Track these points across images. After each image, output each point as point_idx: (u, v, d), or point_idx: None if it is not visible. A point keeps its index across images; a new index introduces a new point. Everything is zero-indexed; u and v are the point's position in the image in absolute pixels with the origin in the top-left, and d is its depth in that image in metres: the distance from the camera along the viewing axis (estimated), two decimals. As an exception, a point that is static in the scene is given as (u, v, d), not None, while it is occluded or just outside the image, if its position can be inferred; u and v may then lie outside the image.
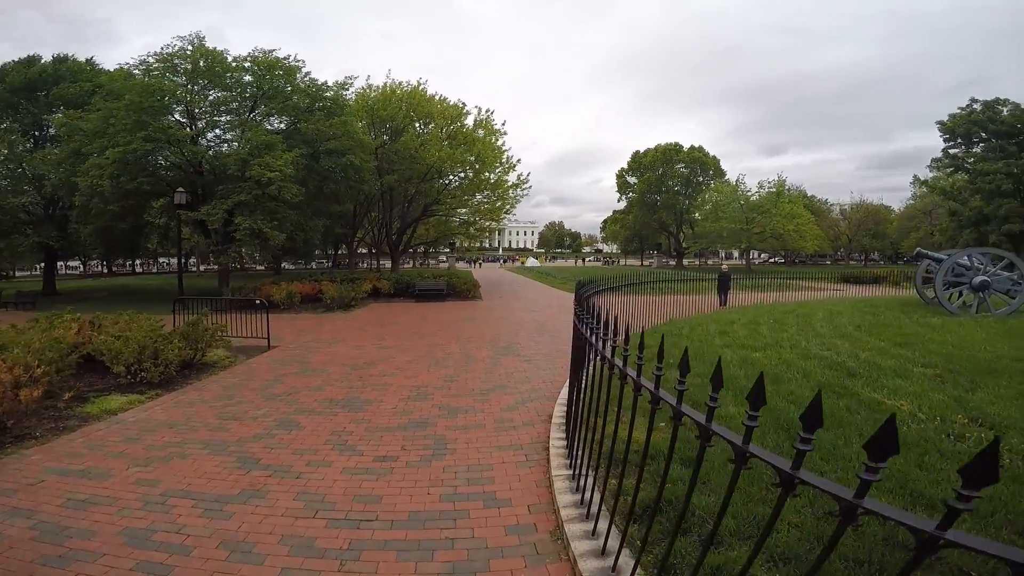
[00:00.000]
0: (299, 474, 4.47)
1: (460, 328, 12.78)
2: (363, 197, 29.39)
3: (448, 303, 19.13)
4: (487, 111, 29.93)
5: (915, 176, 68.89)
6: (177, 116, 21.17)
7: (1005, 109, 38.26)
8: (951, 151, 42.45)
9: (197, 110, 21.19)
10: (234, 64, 21.50)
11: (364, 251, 50.72)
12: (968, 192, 42.80)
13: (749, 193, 53.04)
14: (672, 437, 2.26)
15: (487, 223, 33.57)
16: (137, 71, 20.66)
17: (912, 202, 66.04)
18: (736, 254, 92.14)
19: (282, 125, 23.80)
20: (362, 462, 4.71)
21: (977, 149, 40.68)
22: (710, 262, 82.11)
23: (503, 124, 30.20)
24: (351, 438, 5.33)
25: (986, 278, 10.15)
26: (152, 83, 19.15)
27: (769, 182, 52.68)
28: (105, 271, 57.34)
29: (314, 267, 56.91)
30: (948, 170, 44.91)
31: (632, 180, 63.46)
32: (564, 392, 6.54)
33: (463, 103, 29.96)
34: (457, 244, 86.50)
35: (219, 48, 21.58)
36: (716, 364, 1.94)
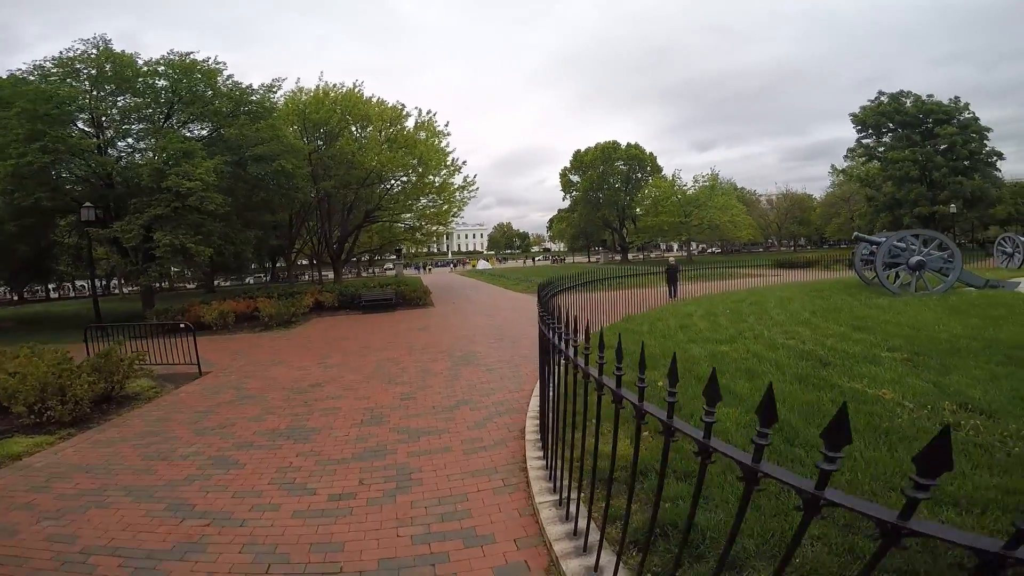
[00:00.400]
0: (243, 521, 3.87)
1: (413, 339, 12.14)
2: (299, 205, 28.01)
3: (398, 313, 18.34)
4: (429, 112, 29.20)
5: (832, 166, 73.98)
6: (81, 125, 19.14)
7: (908, 101, 41.72)
8: (864, 141, 45.86)
9: (104, 118, 19.27)
10: (146, 68, 19.74)
11: (305, 263, 48.48)
12: (881, 179, 46.43)
13: (686, 187, 55.09)
14: (664, 455, 2.04)
15: (434, 227, 32.77)
16: (32, 76, 18.48)
17: (831, 190, 70.94)
18: (676, 247, 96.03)
19: (204, 132, 22.17)
20: (315, 503, 4.13)
21: (886, 139, 44.14)
22: (652, 255, 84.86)
23: (446, 125, 29.59)
24: (299, 475, 4.71)
25: (921, 258, 10.72)
26: (48, 89, 17.16)
27: (703, 176, 54.97)
28: (15, 298, 51.53)
29: (251, 282, 53.88)
30: (862, 159, 48.50)
31: (575, 179, 64.47)
32: (534, 403, 6.16)
33: (402, 104, 29.10)
34: (404, 250, 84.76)
35: (129, 51, 19.74)
36: (710, 375, 1.73)
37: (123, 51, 19.65)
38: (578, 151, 63.87)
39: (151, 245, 17.12)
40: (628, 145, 61.45)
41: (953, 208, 37.92)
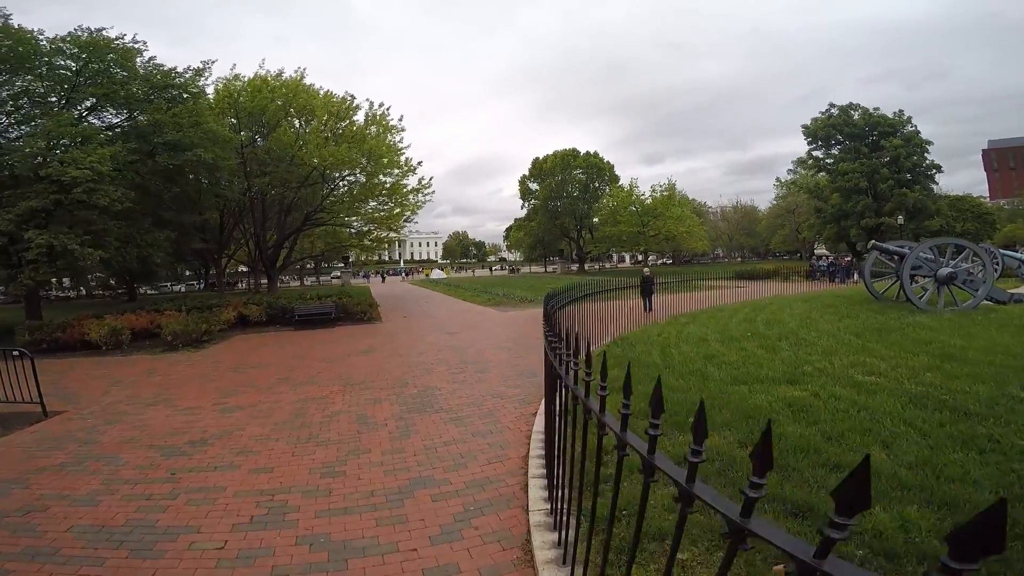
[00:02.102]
0: None
1: (352, 367, 9.57)
2: (225, 204, 24.71)
3: (339, 329, 15.57)
4: (381, 106, 26.48)
5: (777, 178, 76.56)
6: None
7: (856, 113, 42.81)
8: (814, 153, 46.86)
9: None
10: (50, 47, 16.46)
11: (246, 270, 44.19)
12: (829, 190, 47.57)
13: (643, 197, 54.71)
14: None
15: (384, 233, 29.92)
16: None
17: (776, 203, 73.11)
18: (627, 258, 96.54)
19: (118, 120, 18.95)
20: None
21: (835, 151, 45.19)
22: (607, 266, 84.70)
23: (400, 120, 26.96)
24: None
25: (952, 270, 9.36)
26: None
27: (661, 186, 54.79)
28: None
29: (182, 290, 48.76)
30: (812, 171, 49.61)
31: (534, 186, 63.11)
32: (535, 486, 3.93)
33: (351, 96, 26.24)
34: (352, 258, 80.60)
35: (28, 27, 16.39)
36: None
37: (20, 26, 16.17)
38: (537, 158, 62.58)
39: (21, 246, 13.68)
40: (587, 153, 60.70)
41: (900, 220, 38.88)
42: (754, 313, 10.31)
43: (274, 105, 23.45)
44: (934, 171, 43.04)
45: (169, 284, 52.88)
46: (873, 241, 11.16)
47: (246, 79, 24.64)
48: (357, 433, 5.73)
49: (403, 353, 10.66)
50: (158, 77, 18.57)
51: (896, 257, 10.61)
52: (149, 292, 48.37)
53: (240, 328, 16.31)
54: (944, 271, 9.31)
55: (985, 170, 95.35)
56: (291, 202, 26.19)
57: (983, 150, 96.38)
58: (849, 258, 34.06)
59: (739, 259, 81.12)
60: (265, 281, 28.81)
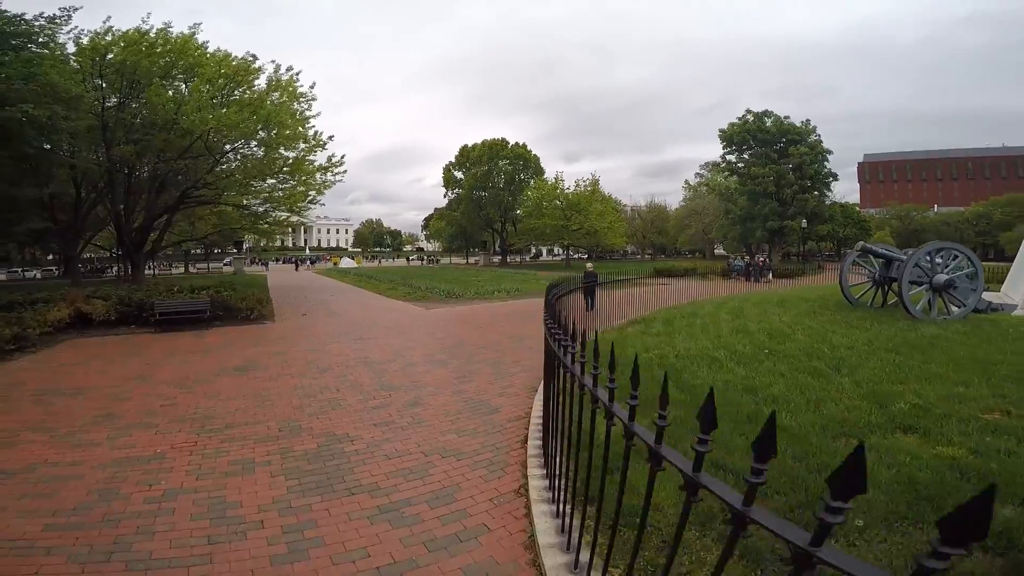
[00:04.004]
0: None
1: (217, 395, 6.69)
2: (84, 176, 20.02)
3: (214, 333, 12.18)
4: (289, 70, 22.37)
5: (686, 181, 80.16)
6: None
7: (769, 120, 45.02)
8: (728, 156, 48.81)
9: None
10: None
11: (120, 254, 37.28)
12: (737, 193, 49.95)
13: (568, 191, 54.13)
14: None
15: (284, 215, 25.82)
16: None
17: (684, 204, 76.65)
18: (544, 252, 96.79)
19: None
20: None
21: (746, 155, 47.35)
22: (527, 259, 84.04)
23: (312, 87, 23.05)
24: None
25: (951, 276, 8.51)
26: None
27: (585, 181, 54.53)
28: None
29: (38, 277, 40.31)
30: (725, 174, 51.81)
31: (459, 175, 60.32)
32: None
33: (253, 56, 21.87)
34: (250, 244, 72.49)
35: None
36: None
37: None
38: (465, 146, 59.73)
39: None
40: (515, 144, 58.96)
41: (804, 223, 41.41)
42: (733, 319, 8.88)
43: (147, 61, 18.82)
44: (831, 179, 46.50)
45: (20, 270, 44.37)
46: (862, 243, 10.25)
47: (120, 33, 19.69)
48: (204, 550, 3.14)
49: (296, 371, 7.87)
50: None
51: (883, 261, 9.73)
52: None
53: (78, 330, 12.34)
54: (941, 278, 8.49)
55: (859, 181, 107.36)
56: (165, 176, 21.52)
57: (859, 163, 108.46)
58: (764, 259, 35.37)
59: (649, 256, 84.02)
60: (150, 270, 23.71)
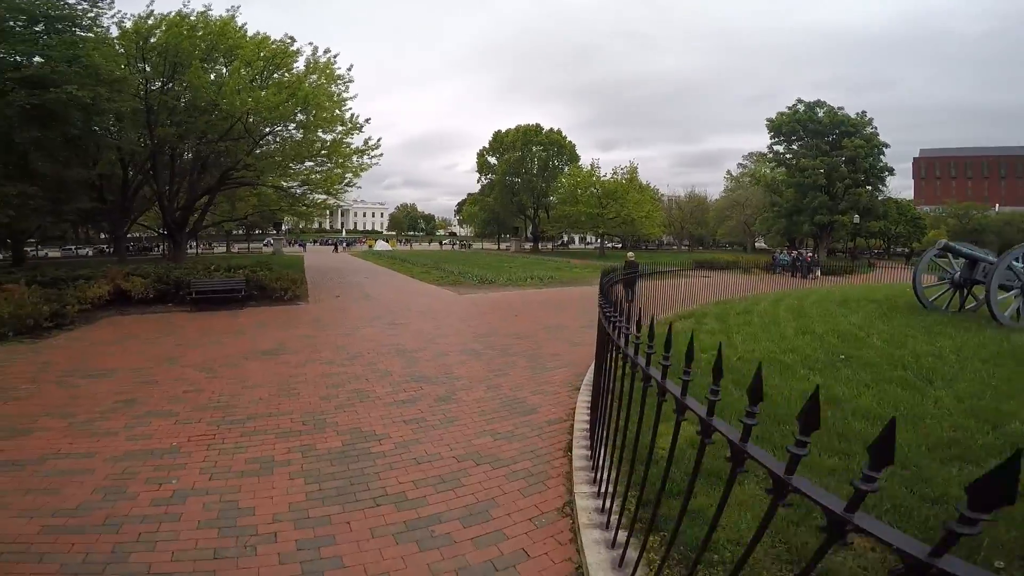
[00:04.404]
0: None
1: (243, 380, 6.43)
2: (131, 158, 20.65)
3: (248, 313, 12.12)
4: (327, 52, 22.13)
5: (728, 171, 77.08)
6: None
7: (821, 111, 42.47)
8: (775, 147, 46.40)
9: None
10: None
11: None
12: (784, 185, 47.53)
13: (604, 178, 52.80)
14: None
15: (321, 197, 25.84)
16: None
17: (724, 195, 73.93)
18: (576, 240, 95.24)
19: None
20: None
21: (794, 146, 44.89)
22: (557, 246, 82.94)
23: (349, 69, 22.78)
24: None
25: None
26: None
27: (623, 168, 53.04)
28: None
29: (89, 254, 42.32)
30: (772, 165, 49.38)
31: (492, 161, 59.73)
32: None
33: (291, 38, 21.70)
34: (290, 226, 74.06)
35: None
36: None
37: None
38: (498, 131, 58.99)
39: None
40: (550, 130, 57.83)
41: (856, 218, 39.07)
42: (794, 318, 8.05)
43: (188, 43, 18.93)
44: (886, 173, 43.66)
45: (74, 247, 46.61)
46: (944, 241, 9.18)
47: (161, 16, 19.92)
48: (209, 566, 2.77)
49: (325, 357, 7.56)
50: (41, 5, 14.81)
51: (966, 262, 8.69)
52: (51, 255, 42.12)
53: (117, 307, 12.49)
54: (1041, 279, 7.46)
55: (913, 177, 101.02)
56: (207, 157, 21.80)
57: (914, 158, 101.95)
58: (812, 254, 33.55)
59: (686, 247, 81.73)
60: (194, 249, 24.32)
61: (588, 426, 4.52)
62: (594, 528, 3.16)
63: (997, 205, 76.36)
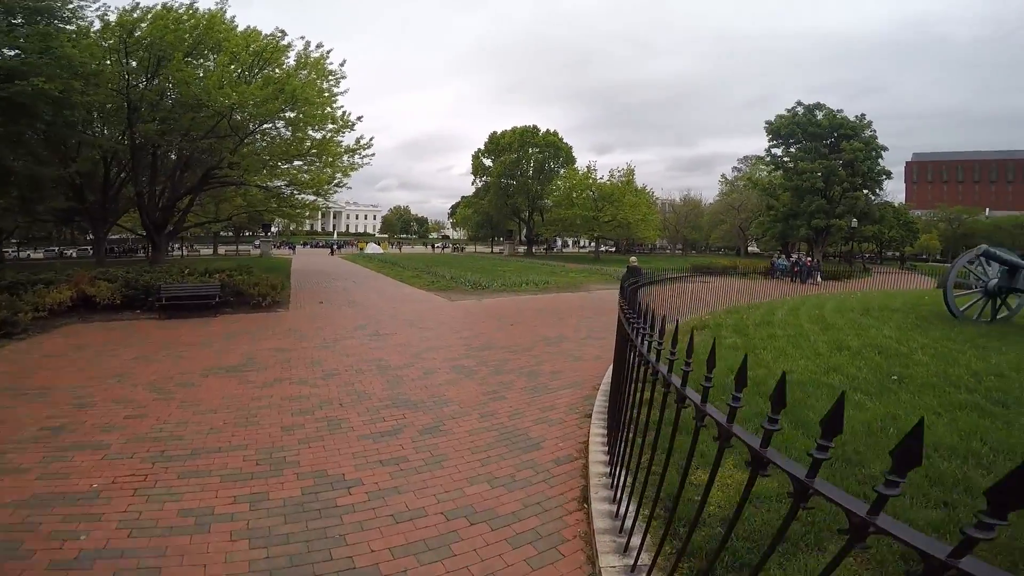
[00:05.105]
0: None
1: (196, 404, 5.55)
2: (112, 155, 19.72)
3: (220, 321, 11.20)
4: (320, 47, 21.27)
5: (723, 175, 76.82)
6: None
7: (820, 113, 42.06)
8: (774, 150, 45.91)
9: None
10: None
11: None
12: (781, 189, 47.08)
13: (601, 180, 52.18)
14: None
15: (310, 197, 24.88)
16: None
17: (719, 199, 73.73)
18: (570, 243, 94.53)
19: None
20: None
21: (793, 149, 44.43)
22: (552, 250, 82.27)
23: (342, 65, 21.95)
24: None
25: None
26: None
27: (619, 171, 52.48)
28: None
29: (74, 255, 41.08)
30: (769, 168, 48.90)
31: (488, 163, 58.89)
32: None
33: (282, 32, 20.80)
34: (279, 227, 72.79)
35: None
36: None
37: None
38: (494, 133, 58.13)
39: None
40: (547, 132, 57.17)
41: (854, 223, 38.64)
42: (822, 331, 7.26)
43: (172, 36, 17.98)
44: (884, 177, 43.32)
45: (58, 249, 45.39)
46: (985, 247, 8.45)
47: (145, 8, 18.97)
48: None
49: (297, 375, 6.67)
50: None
51: (1006, 269, 7.99)
52: (32, 257, 41.00)
53: (81, 314, 11.53)
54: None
55: (905, 181, 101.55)
56: (190, 156, 20.85)
57: (907, 162, 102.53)
58: (812, 259, 33.03)
59: (679, 251, 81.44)
60: (201, 248, 23.29)
61: (608, 467, 3.69)
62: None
63: (988, 209, 76.80)
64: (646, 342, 2.89)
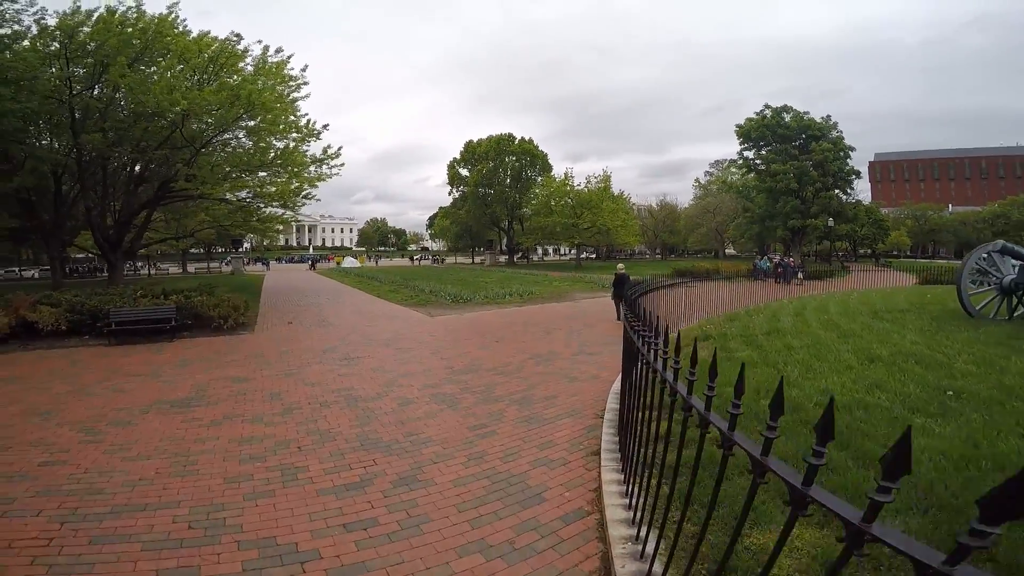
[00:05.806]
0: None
1: (126, 451, 4.63)
2: (64, 169, 18.40)
3: (176, 346, 10.15)
4: (279, 52, 20.33)
5: (697, 179, 77.64)
6: None
7: (788, 116, 42.64)
8: (745, 153, 46.38)
9: None
10: None
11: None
12: (756, 191, 47.56)
13: (579, 187, 51.99)
14: None
15: (278, 211, 23.73)
16: None
17: (694, 202, 74.40)
18: (551, 251, 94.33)
19: None
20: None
21: (764, 152, 44.95)
22: (532, 259, 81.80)
23: (304, 70, 21.05)
24: None
25: None
26: None
27: (596, 177, 52.39)
28: None
29: (35, 277, 38.74)
30: (742, 171, 49.38)
31: (464, 172, 58.20)
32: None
33: (237, 36, 19.81)
34: (253, 243, 70.53)
35: None
36: None
37: None
38: (470, 141, 57.54)
39: None
40: (522, 140, 56.78)
41: (831, 222, 39.07)
42: (840, 339, 6.66)
43: (115, 40, 16.81)
44: (854, 176, 44.09)
45: (17, 269, 42.94)
46: (1003, 242, 8.04)
47: (91, 11, 17.76)
48: None
49: (251, 411, 5.76)
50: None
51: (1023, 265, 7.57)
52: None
53: (22, 341, 10.39)
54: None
55: (870, 181, 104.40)
56: (144, 168, 19.64)
57: (870, 162, 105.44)
58: (793, 259, 33.11)
59: (659, 256, 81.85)
60: (145, 270, 21.82)
61: (632, 527, 2.93)
62: None
63: (951, 205, 79.39)
64: (678, 378, 2.20)
